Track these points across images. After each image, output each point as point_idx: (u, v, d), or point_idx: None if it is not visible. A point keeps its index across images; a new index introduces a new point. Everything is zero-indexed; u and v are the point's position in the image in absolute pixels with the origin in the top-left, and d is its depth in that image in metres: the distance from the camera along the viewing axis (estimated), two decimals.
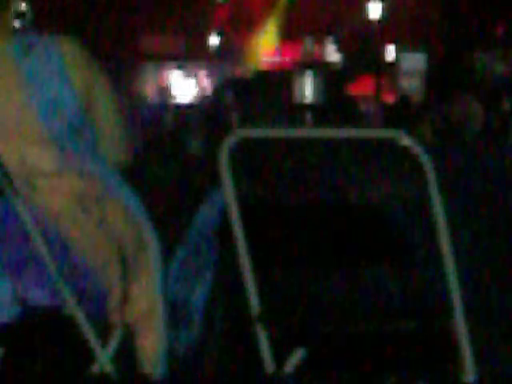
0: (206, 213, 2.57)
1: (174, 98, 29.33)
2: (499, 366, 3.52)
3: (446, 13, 26.15)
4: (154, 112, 22.42)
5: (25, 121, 2.36)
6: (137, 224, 2.46)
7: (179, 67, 30.72)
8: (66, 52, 2.41)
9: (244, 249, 2.29)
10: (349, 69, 27.50)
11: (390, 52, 27.75)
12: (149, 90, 30.12)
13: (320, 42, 29.70)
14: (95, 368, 2.42)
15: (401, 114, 18.12)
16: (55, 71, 2.39)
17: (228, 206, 2.28)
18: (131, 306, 2.48)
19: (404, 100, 19.56)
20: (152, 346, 2.49)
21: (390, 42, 27.49)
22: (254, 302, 2.32)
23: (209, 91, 27.89)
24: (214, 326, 2.61)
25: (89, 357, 2.41)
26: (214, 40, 31.73)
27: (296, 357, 2.35)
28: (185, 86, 30.32)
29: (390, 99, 24.74)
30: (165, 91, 30.06)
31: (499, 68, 23.88)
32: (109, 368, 2.41)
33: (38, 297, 2.39)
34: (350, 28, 28.98)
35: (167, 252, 2.51)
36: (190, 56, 30.99)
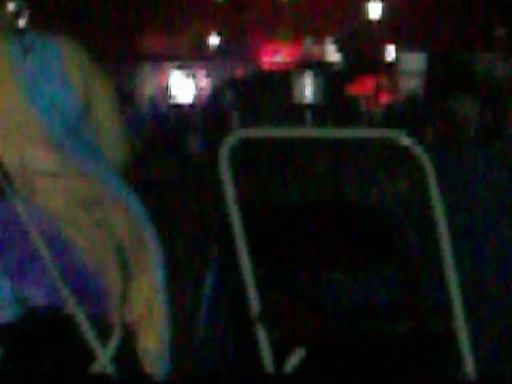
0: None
1: (174, 97, 29.32)
2: (499, 366, 3.52)
3: (446, 13, 26.15)
4: (155, 112, 22.41)
5: (24, 121, 2.36)
6: (137, 224, 2.46)
7: (178, 67, 30.70)
8: (66, 52, 2.41)
9: (244, 249, 2.29)
10: (349, 69, 27.49)
11: (390, 52, 27.75)
12: (148, 90, 30.10)
13: (320, 41, 29.70)
14: (95, 368, 2.42)
15: (407, 115, 18.13)
16: (54, 71, 2.38)
17: (228, 206, 2.28)
18: (131, 305, 2.48)
19: (411, 100, 19.58)
20: (152, 346, 2.49)
21: (390, 42, 27.49)
22: (253, 301, 2.32)
23: (209, 91, 27.88)
24: (215, 326, 2.61)
25: (89, 357, 2.40)
26: (213, 40, 31.72)
27: (296, 357, 2.35)
28: (185, 86, 30.31)
29: (389, 99, 24.72)
30: (165, 91, 30.05)
31: (499, 69, 23.88)
32: (109, 368, 2.41)
33: (38, 297, 2.39)
34: (349, 28, 28.97)
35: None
36: (190, 56, 30.97)
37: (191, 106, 25.07)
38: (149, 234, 2.47)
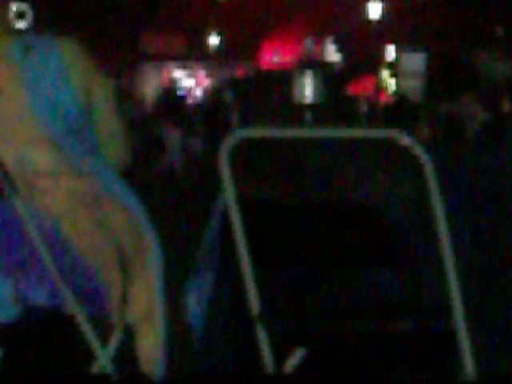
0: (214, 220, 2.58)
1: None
2: (499, 366, 3.52)
3: (447, 13, 26.16)
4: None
5: (24, 121, 2.36)
6: (136, 224, 2.46)
7: (178, 67, 30.71)
8: (66, 52, 2.41)
9: (244, 249, 2.29)
10: (349, 69, 27.50)
11: (390, 52, 27.75)
12: (148, 90, 30.11)
13: (320, 41, 29.71)
14: (95, 368, 2.42)
15: (398, 114, 18.13)
16: (55, 71, 2.38)
17: (228, 206, 2.28)
18: (131, 306, 2.48)
19: (401, 100, 19.59)
20: (152, 346, 2.49)
21: (390, 42, 27.49)
22: (254, 301, 2.32)
23: (209, 91, 27.88)
24: (215, 326, 2.61)
25: (89, 357, 2.41)
26: (213, 40, 31.72)
27: (296, 357, 2.35)
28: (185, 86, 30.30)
29: (389, 99, 24.73)
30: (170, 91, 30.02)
31: (500, 68, 23.88)
32: (109, 368, 2.41)
33: (38, 297, 2.40)
34: (349, 28, 28.97)
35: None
36: (190, 56, 30.98)
37: (191, 105, 25.04)
38: (148, 234, 2.47)
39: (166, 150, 12.46)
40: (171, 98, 15.73)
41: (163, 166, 12.40)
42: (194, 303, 2.53)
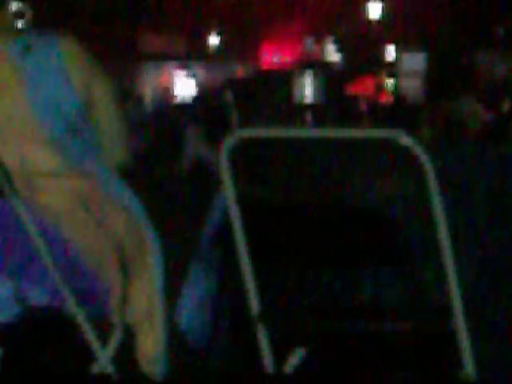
0: (212, 219, 2.58)
1: (176, 97, 29.33)
2: (499, 366, 3.52)
3: (447, 13, 26.17)
4: (158, 112, 22.35)
5: (24, 121, 2.36)
6: (137, 224, 2.46)
7: (178, 67, 30.71)
8: (66, 52, 2.41)
9: (244, 249, 2.29)
10: (349, 69, 27.51)
11: (390, 52, 27.77)
12: (148, 90, 30.11)
13: (320, 41, 29.74)
14: (95, 368, 2.42)
15: (396, 114, 18.14)
16: (55, 71, 2.38)
17: (228, 206, 2.28)
18: (131, 306, 2.48)
19: (399, 100, 19.61)
20: (152, 346, 2.49)
21: (390, 42, 27.50)
22: (253, 302, 2.32)
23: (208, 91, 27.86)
24: (216, 326, 2.61)
25: (89, 357, 2.41)
26: (213, 40, 31.74)
27: (296, 357, 2.35)
28: (185, 86, 30.32)
29: (389, 99, 24.74)
30: (167, 91, 30.02)
31: (500, 68, 23.88)
32: (109, 368, 2.41)
33: (38, 297, 2.39)
34: (349, 28, 28.99)
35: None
36: (190, 56, 31.00)
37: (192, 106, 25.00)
38: (149, 234, 2.47)
39: (185, 150, 12.46)
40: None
41: (182, 166, 12.38)
42: (189, 303, 2.53)
